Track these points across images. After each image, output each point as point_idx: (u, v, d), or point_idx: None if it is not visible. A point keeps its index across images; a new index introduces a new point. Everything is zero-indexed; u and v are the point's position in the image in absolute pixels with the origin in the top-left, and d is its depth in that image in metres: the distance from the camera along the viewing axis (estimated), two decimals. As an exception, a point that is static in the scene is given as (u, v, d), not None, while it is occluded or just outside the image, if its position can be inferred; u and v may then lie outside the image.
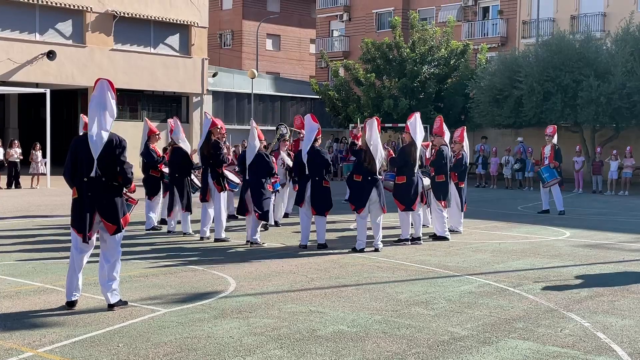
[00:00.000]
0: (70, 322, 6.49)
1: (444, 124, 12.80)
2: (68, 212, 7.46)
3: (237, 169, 12.79)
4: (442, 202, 12.39)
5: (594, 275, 9.25)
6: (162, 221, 13.19)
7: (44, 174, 23.35)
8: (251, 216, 11.29)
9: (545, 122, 27.61)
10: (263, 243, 11.37)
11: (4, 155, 23.14)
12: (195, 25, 32.04)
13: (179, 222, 12.78)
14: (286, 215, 15.06)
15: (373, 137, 10.85)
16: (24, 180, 23.19)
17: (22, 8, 27.19)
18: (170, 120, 13.29)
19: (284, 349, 5.78)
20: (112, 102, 6.94)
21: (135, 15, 29.91)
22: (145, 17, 30.32)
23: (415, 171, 11.52)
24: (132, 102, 30.97)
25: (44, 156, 23.43)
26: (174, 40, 31.84)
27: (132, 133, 23.41)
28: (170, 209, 12.68)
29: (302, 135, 13.44)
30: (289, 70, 54.59)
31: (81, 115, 13.53)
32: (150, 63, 30.68)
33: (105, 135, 6.82)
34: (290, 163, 13.23)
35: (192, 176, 12.81)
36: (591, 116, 26.05)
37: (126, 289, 7.70)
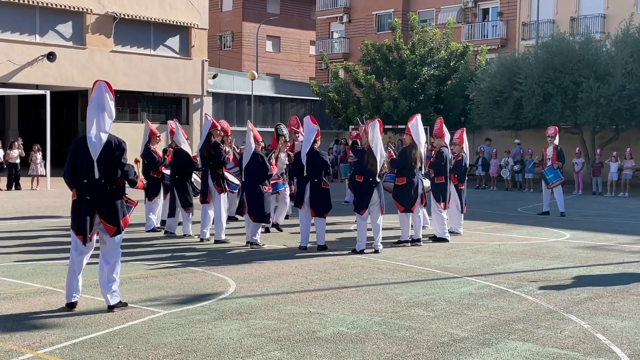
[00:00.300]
0: (70, 323, 6.49)
1: (444, 125, 12.82)
2: (68, 214, 7.46)
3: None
4: (442, 204, 12.40)
5: (594, 277, 9.25)
6: (163, 223, 13.19)
7: (44, 176, 23.36)
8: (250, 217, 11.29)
9: (545, 124, 27.61)
10: (263, 244, 11.38)
11: (4, 156, 23.16)
12: (195, 26, 32.06)
13: (179, 224, 12.78)
14: (286, 217, 15.06)
15: (375, 139, 10.86)
16: (23, 181, 23.21)
17: (22, 10, 27.21)
18: (170, 122, 13.30)
19: (283, 351, 5.78)
20: (111, 104, 6.95)
21: (136, 17, 29.93)
22: (146, 18, 30.34)
23: (416, 173, 11.53)
24: (132, 104, 30.99)
25: (44, 158, 23.44)
26: (174, 41, 31.86)
27: (132, 134, 23.46)
28: (172, 210, 12.69)
29: (297, 136, 13.45)
30: (289, 72, 54.62)
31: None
32: (150, 65, 30.69)
33: (104, 137, 6.83)
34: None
35: (195, 177, 12.80)
36: (591, 118, 26.06)
37: (126, 290, 7.70)
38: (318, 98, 36.05)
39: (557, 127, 17.99)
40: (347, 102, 34.03)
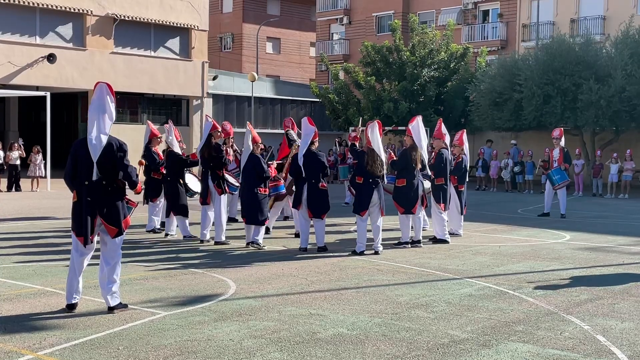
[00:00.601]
0: (70, 324, 6.49)
1: (443, 126, 12.84)
2: (68, 215, 7.47)
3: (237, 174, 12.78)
4: (442, 205, 12.41)
5: (594, 278, 9.25)
6: (163, 224, 13.19)
7: (44, 177, 23.37)
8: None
9: (545, 126, 27.68)
10: (264, 246, 11.38)
11: (4, 158, 23.17)
12: (196, 28, 32.07)
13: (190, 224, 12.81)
14: (286, 218, 15.07)
15: (374, 140, 10.87)
16: (24, 183, 23.20)
17: (22, 11, 27.21)
18: (166, 126, 13.30)
19: (283, 352, 5.78)
20: (112, 106, 6.96)
21: (136, 18, 29.94)
22: (146, 20, 30.35)
23: (416, 174, 11.53)
24: (132, 105, 30.99)
25: (44, 159, 23.45)
26: (174, 43, 31.86)
27: (132, 136, 23.43)
28: (169, 211, 12.70)
29: (291, 137, 13.43)
30: (289, 73, 54.63)
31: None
32: (150, 66, 30.70)
33: (104, 139, 6.83)
34: None
35: (189, 179, 12.73)
36: (591, 119, 26.06)
37: (126, 291, 7.71)
38: (318, 99, 36.06)
39: (562, 129, 18.01)
40: (347, 103, 34.03)
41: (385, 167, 11.08)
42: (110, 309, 6.93)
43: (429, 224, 13.44)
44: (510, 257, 10.85)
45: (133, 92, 30.29)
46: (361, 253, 10.79)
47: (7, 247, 11.05)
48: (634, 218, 17.33)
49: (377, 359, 5.65)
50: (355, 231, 11.47)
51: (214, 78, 34.19)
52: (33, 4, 27.16)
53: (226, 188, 11.95)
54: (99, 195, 6.86)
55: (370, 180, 10.85)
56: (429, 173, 12.22)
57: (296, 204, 11.32)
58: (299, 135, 12.44)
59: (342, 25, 46.20)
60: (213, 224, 11.92)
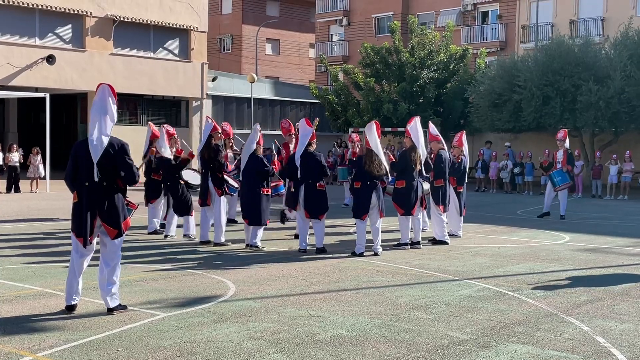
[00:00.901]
0: (69, 326, 6.49)
1: (432, 128, 12.97)
2: (68, 216, 7.46)
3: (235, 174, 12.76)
4: (441, 207, 12.42)
5: (594, 280, 9.25)
6: (163, 225, 13.19)
7: (43, 178, 23.36)
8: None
9: (544, 127, 27.71)
10: (263, 247, 11.37)
11: (3, 159, 23.15)
12: (195, 29, 32.08)
13: (178, 227, 12.79)
14: (286, 219, 15.06)
15: (372, 140, 10.87)
16: (23, 184, 23.20)
17: (22, 12, 27.22)
18: (164, 126, 13.30)
19: (283, 353, 5.78)
20: (113, 107, 6.97)
21: (135, 19, 29.95)
22: (145, 21, 30.36)
23: (415, 176, 11.53)
24: (131, 107, 30.99)
25: (43, 160, 23.44)
26: (173, 44, 31.87)
27: (131, 137, 23.30)
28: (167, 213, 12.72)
29: (291, 138, 13.43)
30: (288, 75, 54.64)
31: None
32: (149, 67, 30.70)
33: (105, 140, 6.83)
34: None
35: (187, 176, 12.72)
36: (590, 120, 26.08)
37: (125, 293, 7.70)
38: (317, 101, 36.07)
39: (566, 130, 18.01)
40: (347, 104, 34.04)
41: (384, 167, 11.05)
42: (110, 311, 6.92)
43: (428, 225, 13.44)
44: (509, 259, 10.85)
45: (132, 93, 30.28)
46: (360, 254, 10.79)
47: (7, 249, 11.04)
48: (633, 219, 17.34)
49: (377, 361, 5.65)
50: (355, 232, 11.47)
51: (214, 79, 34.19)
52: (32, 5, 27.16)
53: (226, 189, 11.95)
54: (100, 196, 6.86)
55: (369, 183, 10.84)
56: (427, 175, 12.22)
57: (293, 205, 11.30)
58: (296, 136, 12.44)
59: (342, 26, 46.21)
60: (212, 225, 11.91)
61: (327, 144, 33.20)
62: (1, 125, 35.42)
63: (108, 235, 6.94)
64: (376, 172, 10.82)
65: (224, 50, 54.85)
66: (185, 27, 31.71)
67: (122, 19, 29.47)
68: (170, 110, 32.68)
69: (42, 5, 27.39)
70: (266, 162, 11.34)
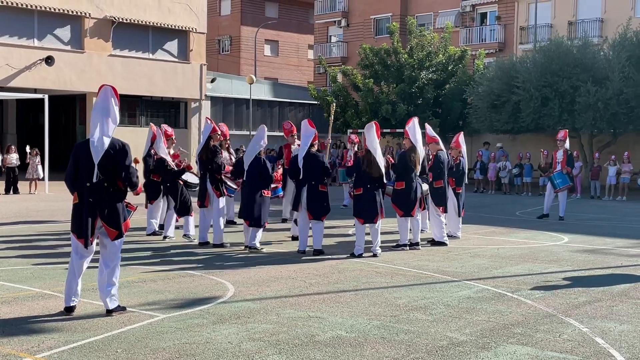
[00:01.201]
0: (68, 327, 6.48)
1: (429, 129, 12.98)
2: (66, 218, 7.47)
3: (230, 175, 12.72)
4: (440, 208, 12.42)
5: (592, 281, 9.26)
6: (162, 227, 13.18)
7: (42, 180, 23.35)
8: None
9: (543, 128, 27.74)
10: (262, 248, 11.37)
11: (2, 161, 23.13)
12: (194, 31, 32.07)
13: (177, 228, 12.78)
14: (284, 221, 15.07)
15: (371, 141, 10.87)
16: (21, 185, 23.18)
17: (20, 14, 27.19)
18: (163, 126, 13.28)
19: (282, 355, 5.78)
20: (116, 109, 6.95)
21: (134, 21, 29.94)
22: (144, 22, 30.34)
23: (414, 177, 11.53)
24: (130, 108, 30.96)
25: (42, 162, 23.43)
26: (172, 45, 31.85)
27: (130, 138, 23.27)
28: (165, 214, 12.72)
29: (293, 140, 13.43)
30: (287, 76, 54.65)
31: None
32: (148, 69, 30.68)
33: (106, 141, 6.82)
34: None
35: (186, 176, 12.71)
36: (589, 122, 26.10)
37: (124, 294, 7.70)
38: (316, 102, 36.07)
39: (567, 131, 18.03)
40: (346, 106, 34.04)
41: (383, 167, 11.05)
42: (109, 312, 6.92)
43: (427, 227, 13.44)
44: (508, 260, 10.86)
45: (131, 94, 30.24)
46: (359, 255, 10.79)
47: (5, 250, 11.03)
48: (632, 220, 17.35)
49: (376, 362, 5.65)
50: (354, 234, 11.47)
51: (212, 80, 34.18)
52: (31, 6, 27.14)
53: (224, 190, 11.94)
54: (100, 197, 6.85)
55: (369, 186, 10.83)
56: (425, 176, 12.23)
57: (296, 206, 11.30)
58: (298, 137, 12.45)
59: (340, 27, 46.24)
60: (211, 227, 11.91)
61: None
62: (0, 127, 35.39)
63: (108, 236, 6.94)
64: (375, 173, 10.82)
65: (222, 52, 54.85)
66: (184, 29, 31.69)
67: (120, 20, 29.45)
68: (169, 111, 32.66)
69: (40, 7, 27.37)
70: (269, 166, 11.32)
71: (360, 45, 34.72)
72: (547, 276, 9.50)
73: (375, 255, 10.85)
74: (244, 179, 11.39)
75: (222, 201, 11.87)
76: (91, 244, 6.89)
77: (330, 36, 47.69)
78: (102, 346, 5.93)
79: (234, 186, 12.51)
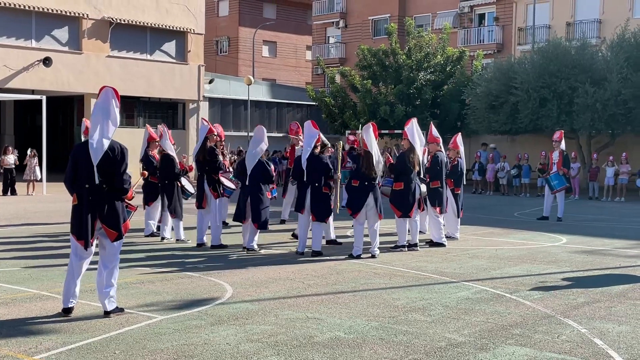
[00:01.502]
0: (66, 329, 6.47)
1: (434, 129, 12.95)
2: (64, 219, 7.45)
3: (231, 176, 12.71)
4: (438, 209, 12.41)
5: (591, 282, 9.26)
6: (160, 228, 13.16)
7: (40, 181, 23.32)
8: (248, 223, 11.27)
9: (541, 129, 27.74)
10: (259, 250, 11.36)
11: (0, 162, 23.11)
12: (192, 31, 32.08)
13: (157, 229, 12.78)
14: (283, 222, 15.05)
15: (370, 142, 10.87)
16: (19, 187, 23.15)
17: (18, 15, 27.19)
18: (160, 128, 13.28)
19: (281, 356, 5.77)
20: (116, 111, 6.94)
21: (132, 22, 29.94)
22: (142, 23, 30.34)
23: (413, 178, 11.52)
24: (128, 109, 30.95)
25: (40, 163, 23.40)
26: (170, 46, 31.86)
27: (128, 140, 23.29)
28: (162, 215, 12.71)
29: (298, 141, 13.42)
30: (285, 77, 54.67)
31: (84, 119, 13.50)
32: (146, 70, 30.68)
33: (106, 143, 6.80)
34: None
35: (184, 181, 12.74)
36: (587, 123, 26.12)
37: (122, 295, 7.68)
38: (314, 103, 36.07)
39: (562, 132, 18.03)
40: (344, 107, 34.07)
41: (381, 168, 11.05)
42: (107, 313, 6.90)
43: (426, 229, 13.43)
44: (507, 261, 10.85)
45: (129, 95, 30.22)
46: (358, 257, 10.78)
47: (3, 251, 11.01)
48: (630, 221, 17.36)
49: (375, 363, 5.64)
50: (352, 235, 11.46)
51: (210, 81, 34.18)
52: (29, 7, 27.13)
53: (222, 191, 11.92)
54: (100, 199, 6.84)
55: (366, 183, 10.85)
56: (423, 177, 12.23)
57: (299, 208, 11.26)
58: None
59: (338, 28, 46.27)
60: (209, 228, 11.90)
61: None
62: (-2, 128, 35.40)
63: (108, 237, 6.92)
64: (373, 174, 10.83)
65: (220, 53, 54.84)
66: (182, 30, 31.70)
67: (118, 21, 29.45)
68: (166, 112, 32.65)
69: (38, 8, 27.36)
70: (270, 170, 11.29)
71: (359, 46, 34.75)
72: (546, 277, 9.50)
73: (373, 257, 10.84)
74: (246, 182, 11.32)
75: (220, 202, 11.85)
76: (91, 245, 6.88)
77: (328, 37, 47.71)
78: (100, 347, 5.91)
79: (232, 186, 12.48)
